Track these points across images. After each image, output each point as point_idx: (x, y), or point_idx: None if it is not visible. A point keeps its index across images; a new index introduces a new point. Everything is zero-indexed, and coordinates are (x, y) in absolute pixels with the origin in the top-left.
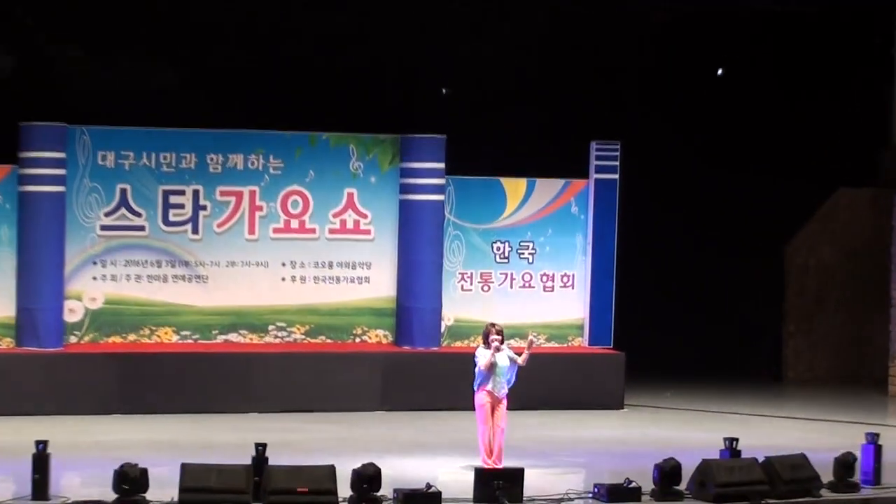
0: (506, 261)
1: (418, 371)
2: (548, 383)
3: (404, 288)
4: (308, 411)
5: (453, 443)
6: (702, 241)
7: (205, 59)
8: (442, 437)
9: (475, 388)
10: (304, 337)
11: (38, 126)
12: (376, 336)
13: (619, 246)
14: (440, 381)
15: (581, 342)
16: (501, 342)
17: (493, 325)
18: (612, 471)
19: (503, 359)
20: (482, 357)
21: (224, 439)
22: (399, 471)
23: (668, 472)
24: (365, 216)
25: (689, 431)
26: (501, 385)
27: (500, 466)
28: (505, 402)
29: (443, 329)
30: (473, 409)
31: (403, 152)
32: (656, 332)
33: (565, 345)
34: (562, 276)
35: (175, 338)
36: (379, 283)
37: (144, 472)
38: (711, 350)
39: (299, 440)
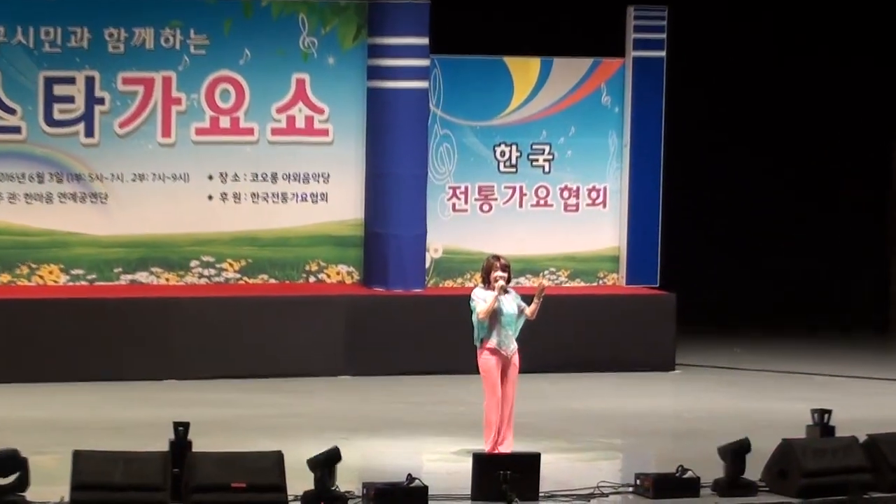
0: (513, 170)
1: (395, 322)
2: (572, 337)
3: (375, 209)
4: (246, 377)
5: (443, 419)
6: (776, 146)
7: None
8: (428, 411)
9: (477, 344)
10: (238, 276)
11: None
12: (338, 274)
13: (665, 149)
14: (424, 336)
15: (616, 280)
16: (508, 281)
17: (495, 257)
18: (659, 456)
19: (510, 304)
20: (481, 302)
21: (132, 417)
22: (370, 458)
23: (735, 457)
24: (321, 111)
25: (765, 401)
26: (509, 339)
27: (507, 451)
28: (517, 362)
29: (428, 264)
30: (470, 372)
31: (372, 24)
32: (716, 267)
33: (594, 284)
34: (589, 191)
35: (64, 279)
36: (340, 203)
37: (23, 462)
38: (791, 292)
39: (235, 417)
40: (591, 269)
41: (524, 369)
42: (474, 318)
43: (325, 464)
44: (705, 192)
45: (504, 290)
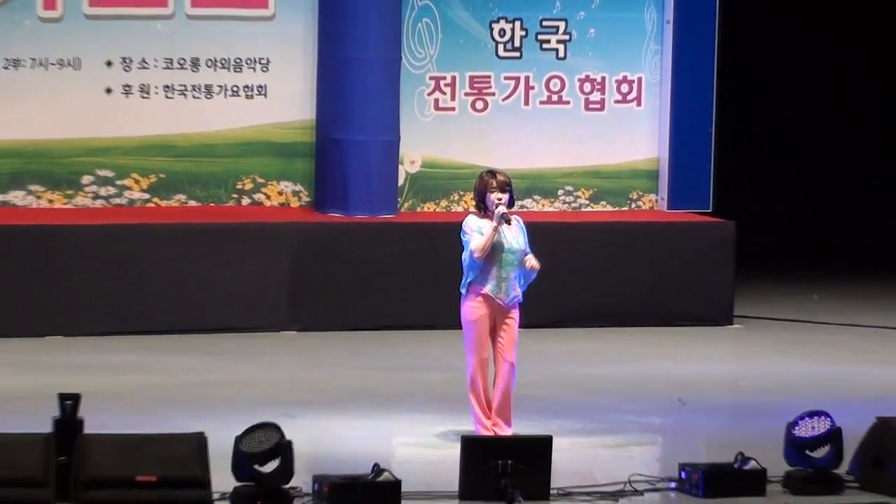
0: (516, 55)
1: (357, 260)
2: (593, 280)
3: (330, 107)
4: (156, 333)
5: (422, 391)
6: (857, 35)
7: None
8: (401, 380)
9: (462, 291)
10: (147, 196)
11: None
12: (280, 195)
13: (721, 29)
14: (396, 279)
15: (654, 203)
16: (510, 205)
17: (492, 173)
18: (712, 439)
19: (514, 236)
20: (476, 235)
21: (2, 387)
22: (323, 442)
23: (812, 442)
24: None
25: (850, 365)
26: (509, 283)
27: (506, 433)
28: (516, 315)
29: (401, 181)
30: (458, 327)
31: None
32: (783, 190)
33: (625, 208)
34: (619, 83)
35: None
36: (284, 99)
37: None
38: (882, 225)
39: (140, 386)
40: (620, 188)
41: (528, 323)
42: (465, 258)
43: (263, 449)
44: (773, 87)
45: (505, 219)
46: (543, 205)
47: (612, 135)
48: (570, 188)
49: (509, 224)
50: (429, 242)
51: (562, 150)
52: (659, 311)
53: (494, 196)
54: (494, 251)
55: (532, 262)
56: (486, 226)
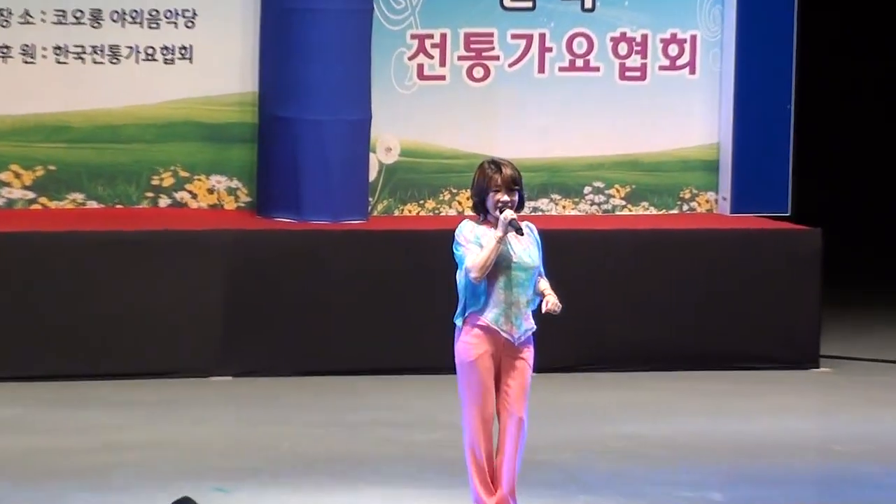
0: (528, 4)
1: (314, 281)
2: (633, 309)
3: (278, 76)
4: (44, 378)
5: (399, 456)
6: None
7: None
8: (372, 440)
9: (457, 323)
10: (33, 196)
11: None
12: (211, 193)
13: None
14: (367, 306)
15: (713, 204)
16: (519, 207)
17: (496, 165)
18: None
19: (524, 249)
20: (471, 245)
21: None
22: None
23: None
24: None
25: None
26: (519, 311)
27: None
28: (529, 354)
29: (374, 174)
30: (447, 370)
31: None
32: (879, 189)
33: (675, 211)
34: (666, 44)
35: None
36: (214, 65)
37: None
38: None
39: (22, 450)
40: (668, 184)
41: (544, 365)
42: (461, 278)
43: None
44: (869, 48)
45: (514, 227)
46: (564, 206)
47: (656, 112)
48: (599, 184)
49: (520, 234)
50: (410, 258)
51: (589, 133)
52: (719, 351)
53: (499, 196)
54: (499, 269)
55: (551, 303)
56: (488, 235)
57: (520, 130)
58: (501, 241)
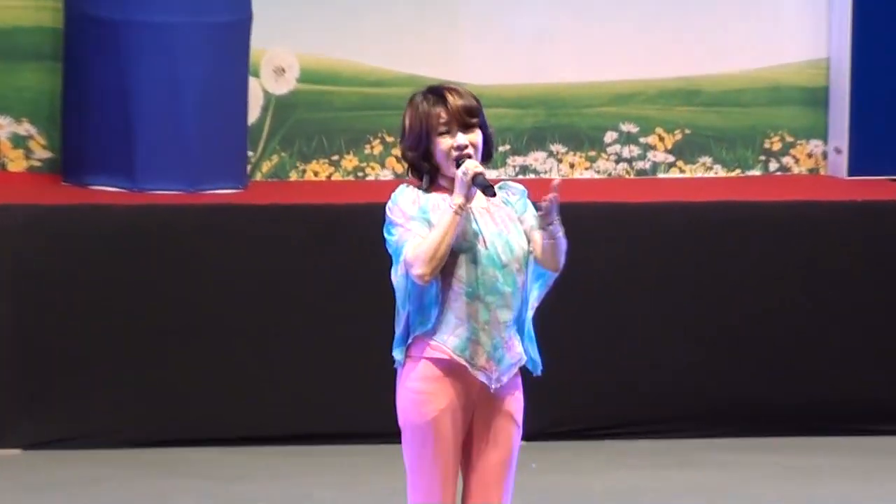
0: None
1: (159, 289)
2: (685, 332)
3: None
4: None
5: None
6: None
7: None
8: None
9: (397, 356)
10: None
11: None
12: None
13: None
14: (244, 336)
15: (817, 158)
16: (485, 156)
17: (439, 94)
18: None
19: (501, 227)
20: (413, 223)
21: None
22: None
23: None
24: None
25: None
26: (499, 334)
27: None
28: (515, 403)
29: (256, 113)
30: (382, 436)
31: None
32: None
33: (755, 172)
34: None
35: None
36: None
37: None
38: None
39: None
40: (744, 127)
41: (544, 427)
42: (397, 279)
43: None
44: None
45: (481, 185)
46: (573, 165)
47: (725, 9)
48: (631, 129)
49: (489, 194)
50: (317, 250)
51: (612, 43)
52: (825, 406)
53: (449, 141)
54: (460, 264)
55: (538, 246)
56: (441, 208)
57: (496, 40)
58: (463, 209)
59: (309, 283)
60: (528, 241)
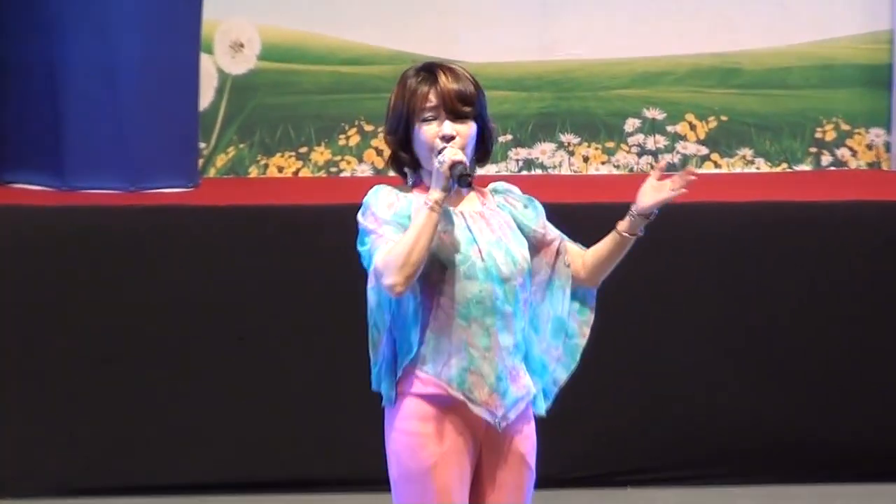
0: None
1: (94, 309)
2: (741, 370)
3: None
4: None
5: None
6: None
7: None
8: None
9: (383, 388)
10: None
11: None
12: None
13: None
14: (197, 365)
15: (878, 150)
16: (479, 153)
17: (427, 72)
18: None
19: (496, 238)
20: (387, 226)
21: None
22: None
23: None
24: None
25: None
26: (501, 359)
27: None
28: (527, 443)
29: (209, 97)
30: (375, 484)
31: None
32: None
33: (805, 167)
34: None
35: None
36: None
37: None
38: None
39: None
40: (792, 112)
41: (563, 472)
42: (371, 296)
43: None
44: None
45: (458, 174)
46: (588, 159)
47: None
48: (657, 115)
49: (464, 185)
50: (283, 264)
51: (633, 16)
52: (890, 445)
53: (434, 129)
54: (452, 279)
55: (682, 182)
56: (417, 206)
57: (496, 9)
58: (440, 205)
59: (273, 300)
60: (538, 251)
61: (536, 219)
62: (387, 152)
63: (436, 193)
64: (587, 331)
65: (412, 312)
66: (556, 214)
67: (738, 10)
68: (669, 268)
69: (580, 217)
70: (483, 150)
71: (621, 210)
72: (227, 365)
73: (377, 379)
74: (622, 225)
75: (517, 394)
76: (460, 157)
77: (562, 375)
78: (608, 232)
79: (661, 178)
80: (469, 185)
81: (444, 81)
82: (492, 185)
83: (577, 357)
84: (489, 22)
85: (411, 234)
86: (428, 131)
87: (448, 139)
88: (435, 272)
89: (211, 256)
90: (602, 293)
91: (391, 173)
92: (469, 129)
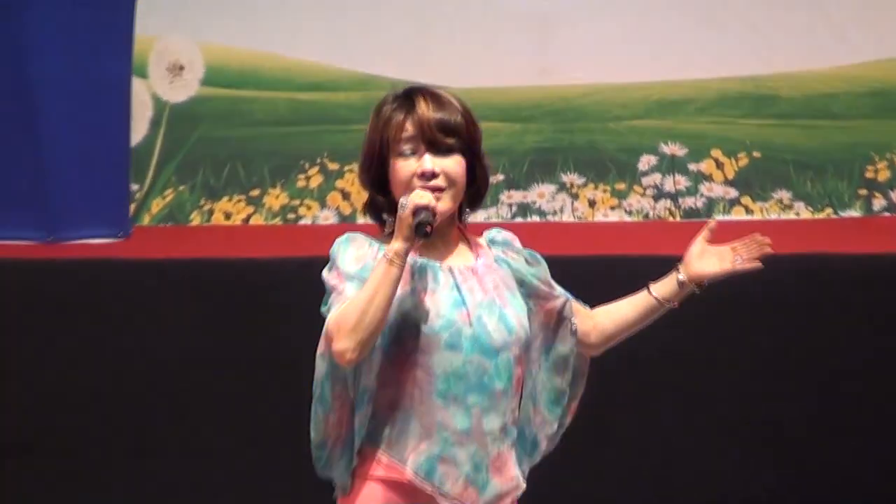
0: None
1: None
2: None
3: None
4: None
5: None
6: None
7: None
8: None
9: (335, 473)
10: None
11: None
12: None
13: None
14: (131, 447)
15: None
16: (472, 197)
17: (406, 98)
18: None
19: (489, 299)
20: (352, 283)
21: None
22: None
23: None
24: None
25: None
26: (484, 446)
27: None
28: None
29: (144, 128)
30: None
31: None
32: None
33: (853, 213)
34: None
35: None
36: None
37: None
38: None
39: None
40: (835, 147)
41: None
42: (323, 362)
43: None
44: None
45: (423, 223)
46: (595, 203)
47: None
48: (676, 149)
49: (421, 235)
50: (233, 333)
51: (647, 31)
52: None
53: (412, 165)
54: (431, 348)
55: (754, 248)
56: (380, 259)
57: (484, 25)
58: (401, 258)
59: (217, 368)
60: (541, 318)
61: (540, 276)
62: (357, 195)
63: (396, 243)
64: (575, 406)
65: (372, 386)
66: (557, 269)
67: (775, 25)
68: (694, 332)
69: (585, 273)
70: (474, 191)
71: (633, 265)
72: (161, 439)
73: (324, 464)
74: (660, 289)
75: (501, 488)
76: (427, 200)
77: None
78: (619, 291)
79: (711, 240)
80: (426, 236)
81: (423, 109)
82: (488, 235)
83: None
84: (477, 39)
85: (365, 291)
86: (404, 168)
87: (428, 176)
88: (409, 339)
89: (143, 320)
90: (611, 363)
91: (360, 220)
92: (455, 166)
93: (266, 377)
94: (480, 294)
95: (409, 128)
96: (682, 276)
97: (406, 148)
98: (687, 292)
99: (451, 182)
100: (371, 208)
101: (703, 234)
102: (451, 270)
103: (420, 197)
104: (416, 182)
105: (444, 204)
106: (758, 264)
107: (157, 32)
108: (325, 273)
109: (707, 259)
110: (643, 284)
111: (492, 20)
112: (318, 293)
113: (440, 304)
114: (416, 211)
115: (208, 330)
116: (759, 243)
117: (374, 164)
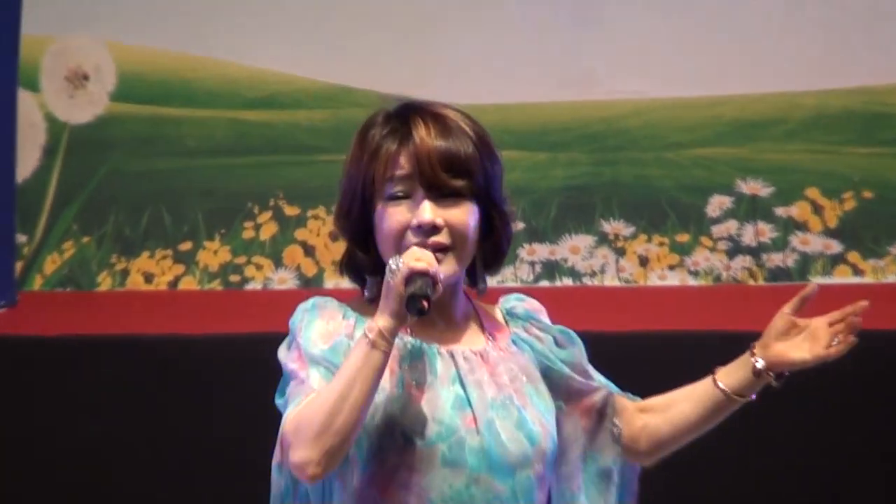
0: None
1: None
2: None
3: None
4: None
5: None
6: None
7: None
8: None
9: None
10: None
11: None
12: None
13: None
14: None
15: None
16: (492, 253)
17: (399, 119)
18: None
19: (505, 395)
20: (317, 369)
21: None
22: None
23: None
24: None
25: None
26: None
27: None
28: None
29: (34, 161)
30: None
31: None
32: None
33: None
34: None
35: None
36: None
37: None
38: None
39: None
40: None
41: None
42: (278, 475)
43: None
44: None
45: (418, 296)
46: (649, 261)
47: None
48: (757, 188)
49: (414, 313)
50: (150, 414)
51: (717, 31)
52: None
53: (404, 217)
54: (424, 464)
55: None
56: (360, 339)
57: (496, 25)
58: (388, 339)
59: (138, 475)
60: (574, 419)
61: (574, 361)
62: (325, 250)
63: (381, 319)
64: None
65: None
66: (596, 350)
67: (891, 19)
68: (783, 422)
69: (632, 355)
70: (491, 248)
71: (698, 343)
72: None
73: None
74: (729, 377)
75: None
76: (425, 265)
77: None
78: (683, 370)
79: (801, 312)
80: (421, 313)
81: (423, 135)
82: (505, 304)
83: None
84: (488, 41)
85: (337, 382)
86: (394, 216)
87: (427, 230)
88: (395, 451)
89: (29, 411)
90: (679, 457)
91: (329, 284)
92: (464, 216)
93: (203, 493)
94: (492, 389)
95: (404, 163)
96: (759, 363)
97: (398, 190)
98: (763, 382)
99: (457, 239)
100: (349, 266)
101: (794, 303)
102: (452, 356)
103: (417, 260)
104: (412, 237)
105: (448, 268)
106: (853, 342)
107: (52, 31)
108: (281, 352)
109: (794, 339)
110: (709, 370)
111: (508, 12)
112: (273, 377)
113: (437, 404)
114: (411, 278)
115: (120, 427)
116: (857, 316)
117: (355, 208)
